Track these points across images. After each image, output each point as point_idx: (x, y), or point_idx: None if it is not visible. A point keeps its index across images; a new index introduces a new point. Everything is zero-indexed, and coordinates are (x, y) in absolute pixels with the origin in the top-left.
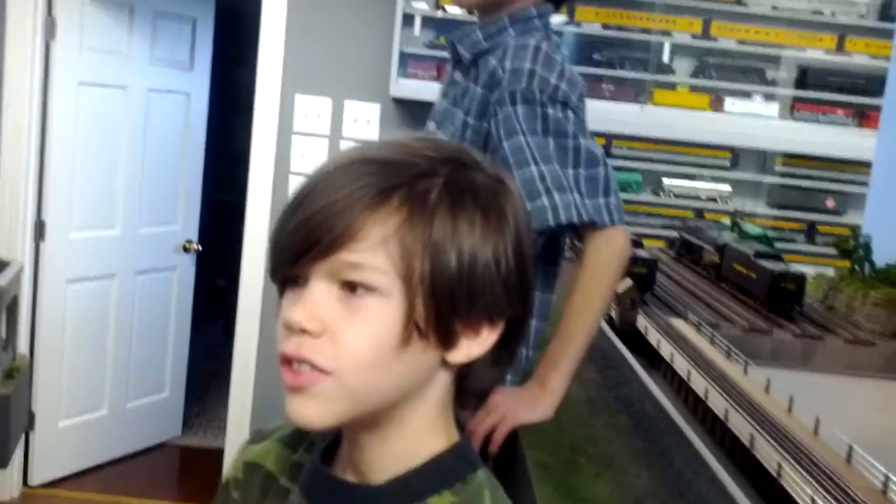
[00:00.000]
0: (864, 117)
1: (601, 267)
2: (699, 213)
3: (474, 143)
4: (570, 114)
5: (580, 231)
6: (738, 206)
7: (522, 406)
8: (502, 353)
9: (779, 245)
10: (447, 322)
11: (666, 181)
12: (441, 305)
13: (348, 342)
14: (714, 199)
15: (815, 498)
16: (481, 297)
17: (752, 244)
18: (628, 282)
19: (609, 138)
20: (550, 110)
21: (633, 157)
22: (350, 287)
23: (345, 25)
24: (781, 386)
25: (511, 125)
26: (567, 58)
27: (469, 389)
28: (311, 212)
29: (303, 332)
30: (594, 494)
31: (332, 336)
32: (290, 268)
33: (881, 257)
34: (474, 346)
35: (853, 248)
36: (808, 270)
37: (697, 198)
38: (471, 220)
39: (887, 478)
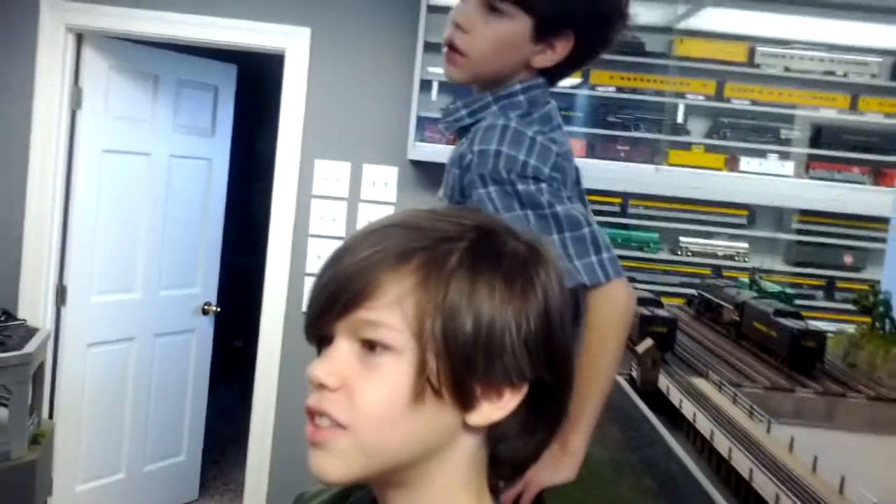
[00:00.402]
0: (880, 175)
1: (605, 323)
2: (717, 270)
3: None
4: (543, 185)
5: (580, 294)
6: (755, 264)
7: (545, 470)
8: (536, 422)
9: (797, 302)
10: (463, 382)
11: (683, 239)
12: (456, 366)
13: (363, 398)
14: (731, 257)
15: None
16: (499, 359)
17: (771, 302)
18: (649, 342)
19: (625, 197)
20: (521, 186)
21: (650, 216)
22: (369, 345)
23: (364, 91)
24: (805, 444)
25: (485, 206)
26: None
27: (503, 458)
28: (336, 272)
29: (322, 386)
30: None
31: (349, 392)
32: (316, 326)
33: None
34: (495, 409)
35: (873, 305)
36: (828, 327)
37: (715, 255)
38: (491, 284)
39: None
